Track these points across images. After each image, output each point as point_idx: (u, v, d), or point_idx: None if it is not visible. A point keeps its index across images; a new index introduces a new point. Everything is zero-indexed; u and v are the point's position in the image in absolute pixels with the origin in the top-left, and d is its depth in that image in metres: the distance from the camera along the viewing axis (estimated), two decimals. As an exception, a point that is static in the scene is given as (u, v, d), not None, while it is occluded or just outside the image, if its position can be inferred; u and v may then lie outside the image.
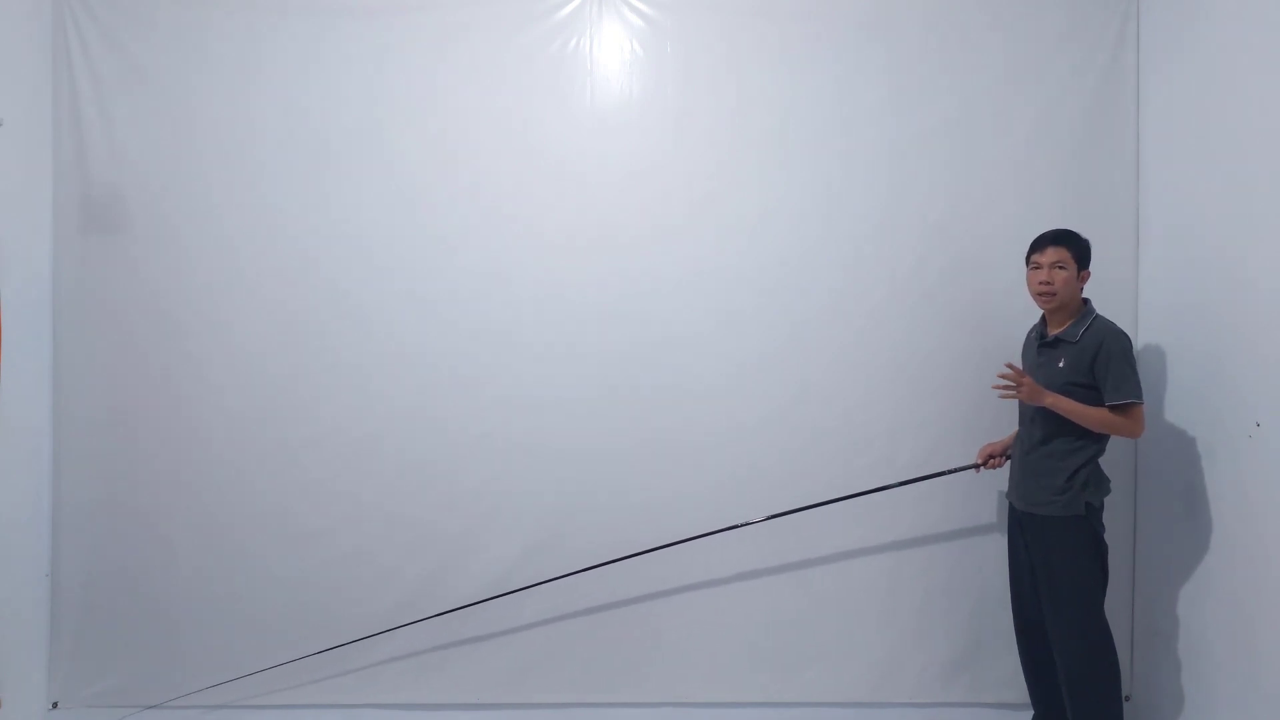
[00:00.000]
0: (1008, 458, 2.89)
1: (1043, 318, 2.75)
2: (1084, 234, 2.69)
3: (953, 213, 3.14)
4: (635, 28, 3.17)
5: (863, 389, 3.15)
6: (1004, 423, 3.12)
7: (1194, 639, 2.72)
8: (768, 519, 3.04)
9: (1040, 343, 2.72)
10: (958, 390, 3.14)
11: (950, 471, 2.99)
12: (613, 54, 3.17)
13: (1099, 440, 2.59)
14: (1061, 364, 2.60)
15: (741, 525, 3.04)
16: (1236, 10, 2.60)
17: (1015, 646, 3.01)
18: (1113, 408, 2.51)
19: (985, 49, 3.14)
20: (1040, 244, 2.67)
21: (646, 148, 3.16)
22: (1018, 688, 3.10)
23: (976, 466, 2.95)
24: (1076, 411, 2.54)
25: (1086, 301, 2.67)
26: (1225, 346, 2.60)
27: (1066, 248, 2.62)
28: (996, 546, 3.10)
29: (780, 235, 3.15)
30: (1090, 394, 2.55)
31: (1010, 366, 2.60)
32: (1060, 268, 2.61)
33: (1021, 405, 2.78)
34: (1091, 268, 2.69)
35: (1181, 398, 2.79)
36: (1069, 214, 3.00)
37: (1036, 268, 2.66)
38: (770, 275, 3.15)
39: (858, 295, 3.15)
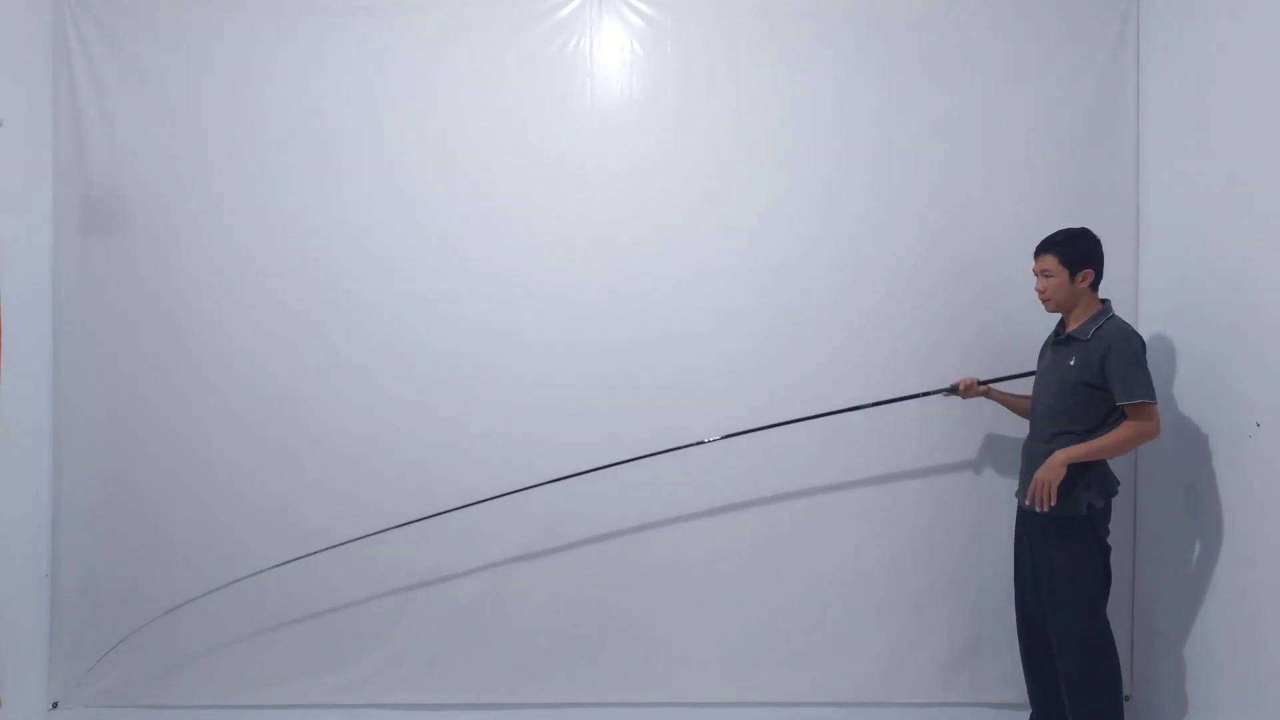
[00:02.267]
0: (982, 385, 2.91)
1: (1060, 317, 2.75)
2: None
3: (953, 213, 3.14)
4: (635, 28, 3.17)
5: (863, 389, 3.14)
6: (1004, 423, 3.12)
7: (1194, 639, 2.72)
8: (723, 438, 3.02)
9: (1055, 341, 2.73)
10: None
11: (925, 394, 2.97)
12: (613, 54, 3.17)
13: None
14: (1072, 362, 2.60)
15: (697, 444, 3.02)
16: (1236, 10, 2.60)
17: (1016, 645, 3.02)
18: (1125, 408, 2.50)
19: (985, 49, 3.14)
20: (1035, 251, 2.70)
21: (646, 148, 3.16)
22: (1018, 687, 3.10)
23: (952, 389, 2.93)
24: (1096, 449, 2.52)
25: (1104, 301, 2.66)
26: (1225, 347, 2.60)
27: (1051, 254, 2.63)
28: (996, 545, 3.11)
29: (780, 235, 3.15)
30: (1102, 394, 2.54)
31: (1030, 492, 2.58)
32: (1047, 274, 2.64)
33: (1034, 402, 2.78)
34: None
35: (1181, 398, 2.79)
36: (1069, 214, 3.00)
37: (1035, 275, 2.71)
38: (770, 275, 3.15)
39: (858, 295, 3.15)
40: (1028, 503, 2.57)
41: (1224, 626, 2.59)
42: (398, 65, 3.16)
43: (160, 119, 3.15)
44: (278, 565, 3.10)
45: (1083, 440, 2.55)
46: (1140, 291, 3.08)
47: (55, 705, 3.16)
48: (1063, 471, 2.52)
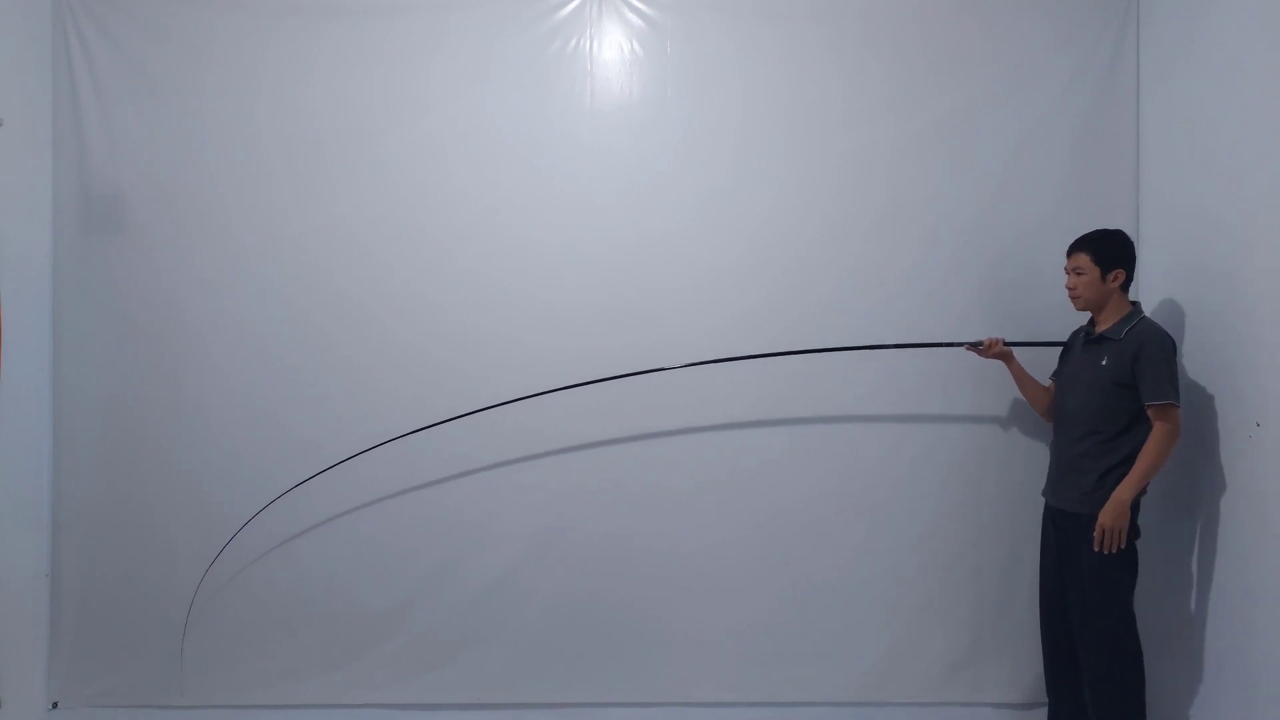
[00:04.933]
0: (1005, 345, 2.89)
1: (1091, 317, 2.77)
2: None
3: (953, 213, 3.14)
4: (635, 28, 3.16)
5: (862, 386, 3.15)
6: (1002, 424, 3.12)
7: (1194, 639, 2.72)
8: (686, 366, 3.04)
9: (1086, 340, 2.75)
10: (958, 389, 3.13)
11: (948, 345, 2.97)
12: (613, 54, 3.17)
13: (1133, 440, 2.58)
14: (1104, 361, 2.62)
15: (662, 370, 3.03)
16: (1237, 11, 2.60)
17: (1017, 645, 3.04)
18: (1150, 408, 2.52)
19: (988, 49, 3.14)
20: (1069, 249, 2.74)
21: (646, 148, 3.15)
22: (1019, 687, 3.11)
23: (975, 345, 2.92)
24: (1148, 471, 2.52)
25: (1134, 303, 2.70)
26: (1225, 347, 2.60)
27: (1084, 252, 2.68)
28: (997, 546, 3.12)
29: (781, 236, 3.15)
30: (1134, 394, 2.57)
31: (1096, 540, 2.56)
32: (1078, 272, 2.69)
33: (1060, 399, 2.81)
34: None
35: (1182, 398, 2.77)
36: (1069, 215, 3.01)
37: (1066, 272, 2.75)
38: (771, 275, 3.15)
39: (858, 295, 3.15)
40: (1096, 549, 2.56)
41: (1223, 626, 2.60)
42: (397, 65, 3.16)
43: (160, 118, 3.15)
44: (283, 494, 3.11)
45: (1109, 441, 2.60)
46: (1140, 292, 3.08)
47: (55, 705, 3.16)
48: (1128, 514, 2.53)
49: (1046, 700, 2.93)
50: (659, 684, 3.18)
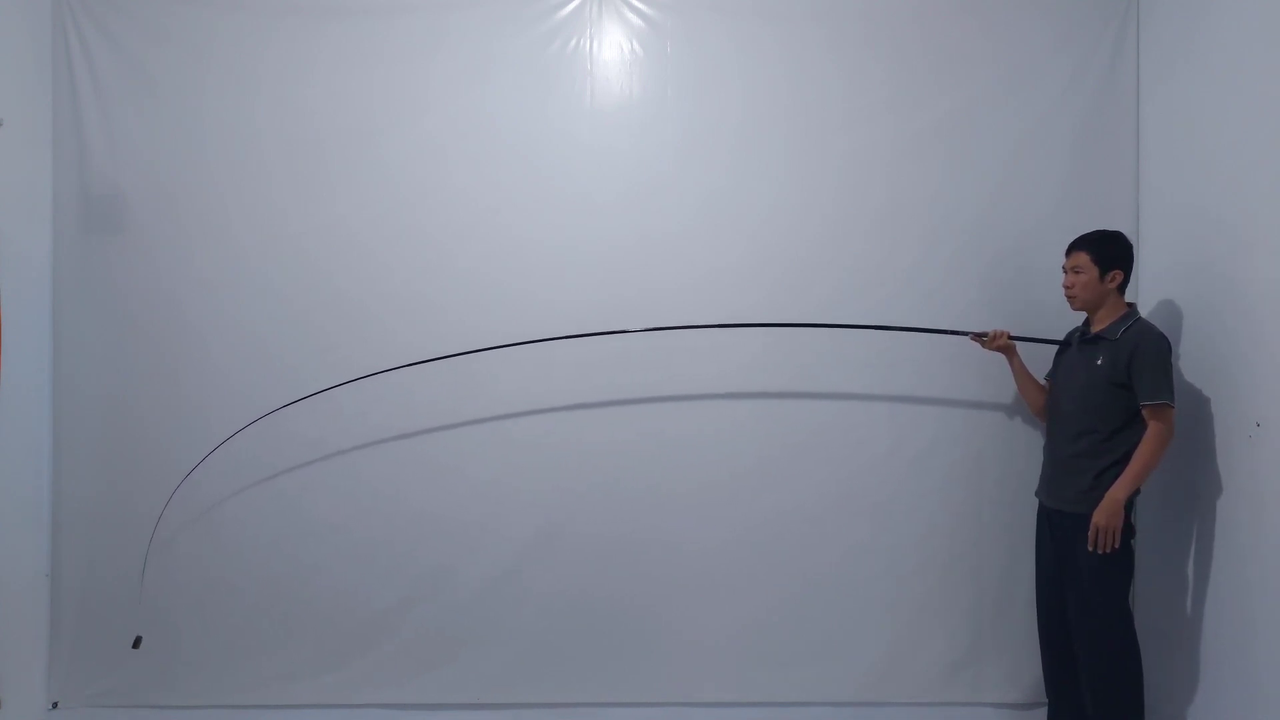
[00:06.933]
0: (1010, 339, 2.88)
1: (1086, 317, 2.78)
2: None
3: (953, 213, 3.14)
4: (635, 27, 3.16)
5: (862, 388, 3.15)
6: (1002, 423, 3.12)
7: (1194, 639, 2.72)
8: (646, 329, 3.03)
9: (1081, 340, 2.75)
10: (958, 389, 3.13)
11: (953, 333, 2.96)
12: (613, 54, 3.17)
13: (1128, 440, 2.58)
14: (1100, 361, 2.62)
15: (621, 331, 3.02)
16: (1237, 12, 2.60)
17: (1017, 645, 3.04)
18: (1145, 409, 2.52)
19: (988, 49, 3.14)
20: (1068, 249, 2.75)
21: (646, 148, 3.15)
22: (1019, 687, 3.11)
23: (980, 335, 2.91)
24: (1142, 471, 2.52)
25: (1131, 305, 2.70)
26: (1225, 347, 2.60)
27: (1084, 251, 2.69)
28: (997, 545, 3.12)
29: (781, 236, 3.15)
30: (1130, 394, 2.57)
31: (1091, 538, 2.56)
32: (1077, 271, 2.69)
33: (1055, 399, 2.82)
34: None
35: (1182, 398, 2.78)
36: (1069, 215, 3.01)
37: (1065, 270, 2.75)
38: (771, 275, 3.15)
39: (858, 295, 3.14)
40: (1091, 548, 2.56)
41: (1223, 626, 2.60)
42: (397, 65, 3.16)
43: (160, 118, 3.15)
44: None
45: (1105, 441, 2.60)
46: (1140, 292, 3.08)
47: (55, 705, 3.16)
48: (1122, 514, 2.53)
49: (1046, 700, 2.94)
50: (658, 684, 3.18)
